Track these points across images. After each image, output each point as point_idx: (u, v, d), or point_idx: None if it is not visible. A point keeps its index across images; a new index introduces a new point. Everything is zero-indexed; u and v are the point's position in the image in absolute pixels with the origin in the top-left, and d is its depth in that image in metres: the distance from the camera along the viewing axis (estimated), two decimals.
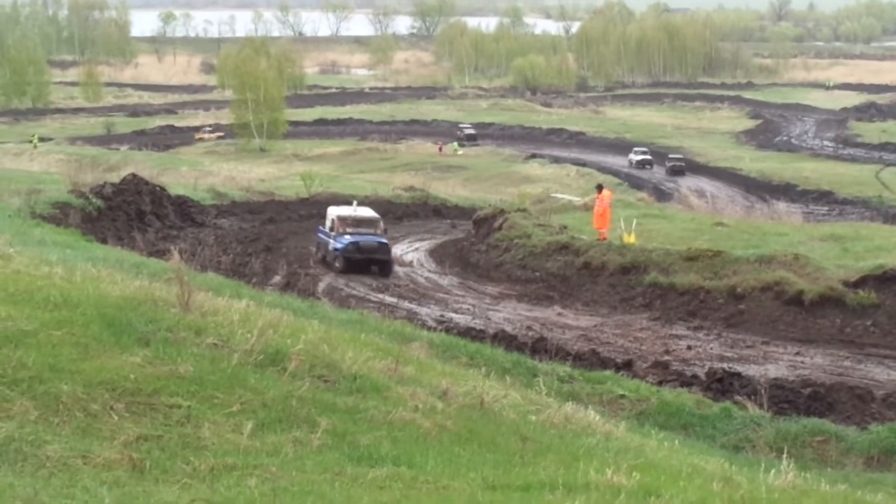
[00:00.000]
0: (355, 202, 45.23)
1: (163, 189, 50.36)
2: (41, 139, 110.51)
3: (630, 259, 38.19)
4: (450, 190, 78.56)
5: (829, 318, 32.31)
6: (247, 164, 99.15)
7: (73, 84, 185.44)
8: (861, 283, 32.80)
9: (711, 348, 30.16)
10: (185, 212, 50.23)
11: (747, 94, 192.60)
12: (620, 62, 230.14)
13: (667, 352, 29.62)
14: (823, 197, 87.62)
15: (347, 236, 40.70)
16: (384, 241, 41.84)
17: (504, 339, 28.31)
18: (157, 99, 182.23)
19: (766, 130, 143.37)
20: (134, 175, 49.99)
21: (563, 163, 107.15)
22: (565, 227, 44.81)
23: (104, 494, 8.09)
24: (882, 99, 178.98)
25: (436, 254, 46.38)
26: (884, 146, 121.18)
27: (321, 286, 37.38)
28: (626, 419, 18.35)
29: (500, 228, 45.37)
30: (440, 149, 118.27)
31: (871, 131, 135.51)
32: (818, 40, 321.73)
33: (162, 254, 31.25)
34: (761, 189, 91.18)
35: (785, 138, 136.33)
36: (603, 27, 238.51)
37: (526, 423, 12.84)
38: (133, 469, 8.87)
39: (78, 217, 41.02)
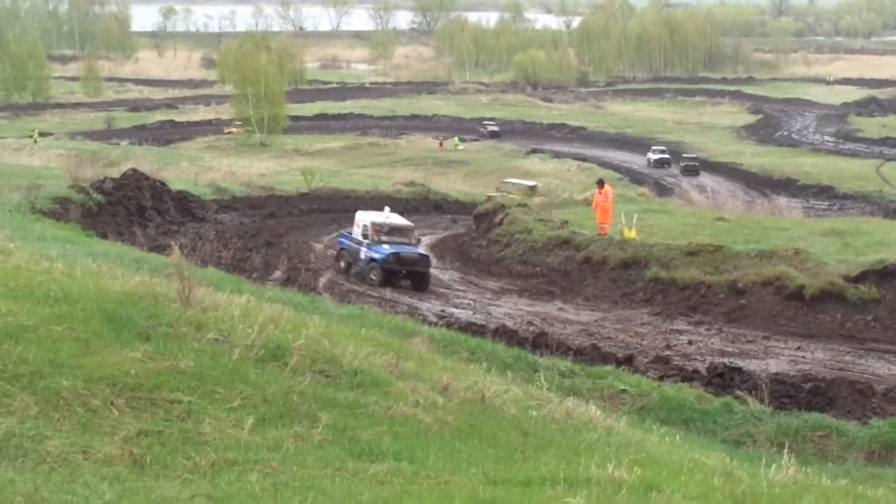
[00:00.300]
0: (387, 208, 42.53)
1: (163, 184, 50.31)
2: (41, 134, 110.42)
3: (631, 254, 38.19)
4: (450, 185, 78.58)
5: (829, 312, 32.33)
6: (247, 159, 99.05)
7: (73, 79, 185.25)
8: (862, 277, 32.81)
9: (712, 343, 30.18)
10: (186, 207, 50.20)
11: (748, 89, 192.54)
12: (621, 57, 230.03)
13: (668, 347, 29.64)
14: (824, 192, 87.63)
15: (386, 246, 37.74)
16: (425, 253, 39.49)
17: (505, 335, 28.31)
18: (158, 94, 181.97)
19: (767, 125, 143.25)
20: (134, 170, 49.95)
21: (564, 158, 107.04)
22: (566, 223, 44.80)
23: (105, 490, 8.09)
24: (882, 94, 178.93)
25: (437, 249, 46.38)
26: (884, 141, 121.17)
27: (322, 281, 37.36)
28: (627, 414, 18.36)
29: (500, 224, 45.39)
30: (441, 144, 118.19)
31: (872, 126, 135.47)
32: (819, 35, 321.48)
33: (162, 249, 31.28)
34: (762, 184, 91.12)
35: (785, 133, 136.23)
36: (604, 22, 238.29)
37: (527, 418, 12.83)
38: (134, 464, 8.87)
39: (78, 212, 41.01)
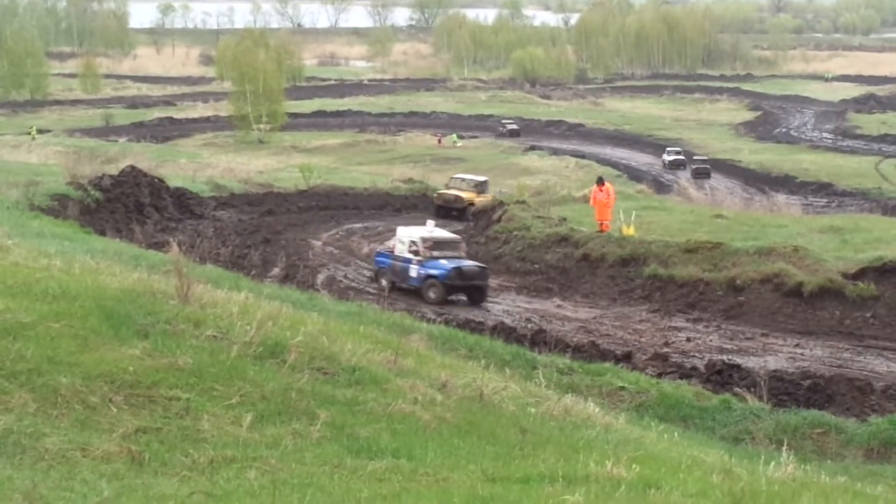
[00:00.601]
0: (431, 222, 40.03)
1: (161, 181, 50.28)
2: (39, 131, 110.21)
3: (629, 251, 38.20)
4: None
5: (828, 309, 32.35)
6: (245, 155, 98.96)
7: (71, 76, 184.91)
8: (860, 274, 32.83)
9: (711, 340, 30.21)
10: (184, 204, 50.17)
11: (746, 86, 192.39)
12: (619, 54, 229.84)
13: (666, 344, 29.67)
14: (823, 189, 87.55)
15: (443, 261, 35.41)
16: (484, 265, 37.18)
17: (503, 331, 28.33)
18: (156, 91, 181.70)
19: (766, 122, 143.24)
20: (132, 167, 49.91)
21: (563, 155, 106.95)
22: (564, 219, 44.81)
23: (103, 487, 8.09)
24: (881, 90, 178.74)
25: None
26: (883, 138, 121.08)
27: (320, 278, 37.36)
28: (625, 411, 18.36)
29: (499, 220, 45.41)
30: (439, 141, 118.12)
31: (871, 123, 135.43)
32: (817, 32, 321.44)
33: (161, 246, 31.23)
34: (760, 181, 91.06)
35: (784, 130, 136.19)
36: (602, 19, 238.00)
37: (525, 415, 12.83)
38: (132, 461, 8.87)
39: (76, 209, 40.99)
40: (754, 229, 43.57)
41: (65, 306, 12.03)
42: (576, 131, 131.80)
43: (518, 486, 9.33)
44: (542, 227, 42.83)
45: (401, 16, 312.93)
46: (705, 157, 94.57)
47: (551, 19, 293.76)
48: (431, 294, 35.09)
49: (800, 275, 33.45)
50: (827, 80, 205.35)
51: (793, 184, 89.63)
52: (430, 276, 35.29)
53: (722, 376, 25.32)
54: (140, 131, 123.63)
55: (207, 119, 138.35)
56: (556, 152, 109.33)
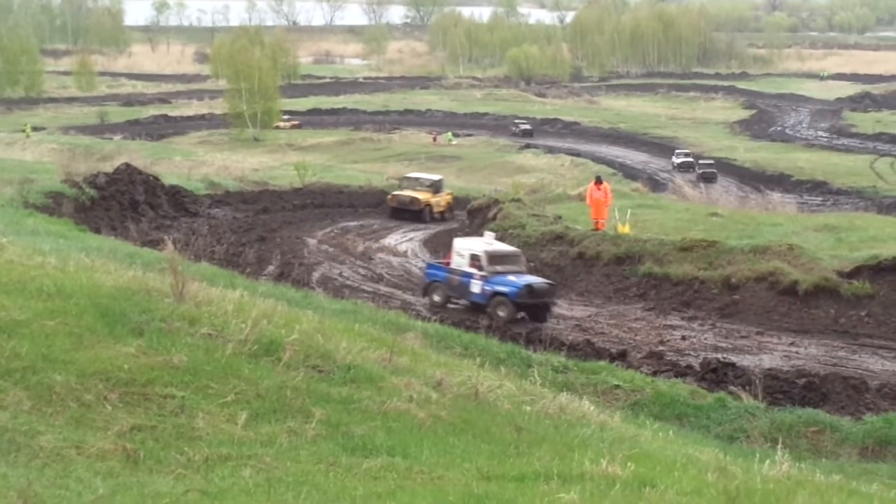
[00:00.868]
0: (489, 233, 37.03)
1: (156, 179, 50.23)
2: (34, 128, 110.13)
3: (624, 249, 38.20)
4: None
5: (823, 308, 32.39)
6: (240, 153, 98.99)
7: (66, 73, 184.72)
8: (855, 273, 32.87)
9: (706, 339, 30.26)
10: (179, 202, 50.12)
11: (742, 85, 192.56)
12: (615, 52, 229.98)
13: (661, 342, 29.72)
14: (818, 187, 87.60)
15: (511, 277, 32.78)
16: (552, 282, 34.59)
17: (498, 330, 28.38)
18: (151, 88, 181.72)
19: (761, 121, 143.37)
20: (127, 165, 49.88)
21: (558, 153, 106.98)
22: (560, 218, 44.80)
23: (98, 485, 8.08)
24: (876, 89, 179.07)
25: (430, 244, 46.36)
26: (878, 136, 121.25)
27: (315, 276, 37.34)
28: (620, 409, 18.39)
29: (494, 218, 45.38)
30: (434, 139, 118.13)
31: (866, 121, 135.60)
32: (812, 30, 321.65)
33: (156, 244, 31.30)
34: (755, 179, 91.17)
35: (779, 128, 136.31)
36: (597, 17, 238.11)
37: (520, 413, 12.84)
38: (127, 459, 8.86)
39: (71, 207, 40.94)
40: (749, 228, 43.62)
41: (59, 304, 12.02)
42: (571, 129, 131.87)
43: (513, 484, 9.34)
44: (537, 226, 42.81)
45: (396, 14, 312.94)
46: (711, 161, 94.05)
47: (546, 17, 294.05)
48: (500, 312, 32.15)
49: (795, 273, 33.48)
50: (822, 78, 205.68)
51: (788, 182, 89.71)
52: (497, 294, 32.61)
53: (717, 374, 25.37)
54: (135, 129, 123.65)
55: (202, 117, 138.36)
56: (551, 150, 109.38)
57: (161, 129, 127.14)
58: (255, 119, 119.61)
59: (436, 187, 57.29)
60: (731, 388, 23.20)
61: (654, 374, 25.21)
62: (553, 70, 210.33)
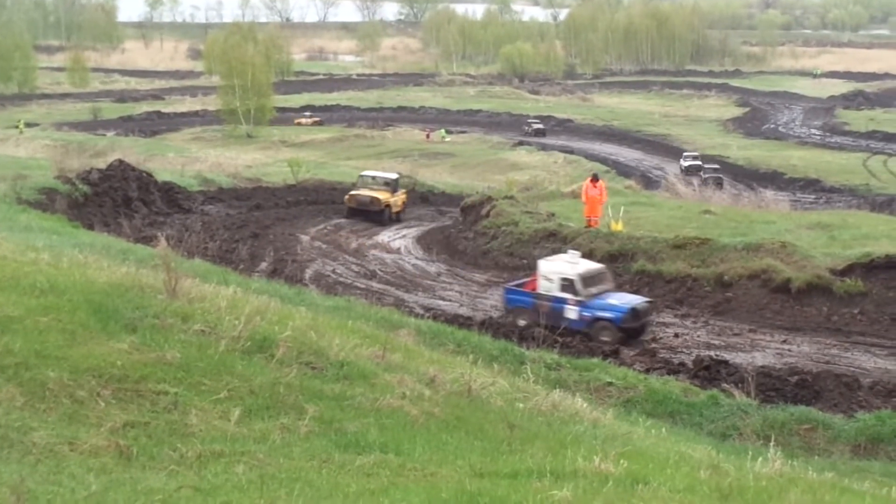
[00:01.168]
0: (572, 251, 33.44)
1: (150, 175, 50.13)
2: (27, 125, 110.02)
3: (618, 247, 38.18)
4: (437, 177, 78.49)
5: (816, 306, 32.40)
6: (234, 150, 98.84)
7: (59, 69, 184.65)
8: (848, 271, 32.90)
9: (698, 336, 30.26)
10: (172, 198, 50.04)
11: (735, 82, 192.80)
12: (608, 49, 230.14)
13: (654, 339, 29.71)
14: (811, 185, 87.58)
15: (613, 300, 30.65)
16: (651, 300, 32.41)
17: (491, 327, 28.38)
18: (144, 84, 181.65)
19: (754, 118, 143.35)
20: (120, 161, 49.75)
21: (551, 150, 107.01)
22: (553, 215, 44.79)
23: (91, 481, 8.08)
24: (869, 87, 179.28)
25: (423, 241, 46.34)
26: (871, 134, 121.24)
27: (308, 273, 37.33)
28: (613, 407, 18.41)
29: (487, 216, 45.34)
30: (427, 136, 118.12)
31: (859, 119, 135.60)
32: (806, 28, 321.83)
33: (149, 240, 31.25)
34: (749, 177, 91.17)
35: (772, 126, 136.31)
36: (591, 14, 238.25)
37: (513, 410, 12.85)
38: (120, 456, 8.86)
39: (64, 203, 40.88)
40: (742, 225, 43.60)
41: (53, 300, 12.01)
42: (564, 127, 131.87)
43: (506, 481, 9.34)
44: (530, 223, 42.79)
45: (389, 10, 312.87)
46: (717, 166, 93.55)
47: (540, 14, 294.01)
48: (604, 338, 29.63)
49: (787, 271, 33.50)
50: (815, 76, 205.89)
51: (781, 180, 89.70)
52: (598, 319, 30.18)
53: (709, 372, 25.40)
54: (128, 125, 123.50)
55: (196, 113, 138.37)
56: (544, 148, 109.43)
57: (154, 125, 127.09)
58: (248, 116, 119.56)
59: (393, 186, 54.30)
60: (724, 385, 23.23)
61: (647, 371, 25.24)
62: (547, 67, 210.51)
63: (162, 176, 52.67)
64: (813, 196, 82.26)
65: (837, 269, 33.13)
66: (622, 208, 42.99)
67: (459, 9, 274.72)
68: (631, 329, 30.11)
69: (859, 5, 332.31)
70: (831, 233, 41.21)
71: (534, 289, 31.68)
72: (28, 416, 9.24)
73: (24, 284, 12.52)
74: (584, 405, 14.55)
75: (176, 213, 48.09)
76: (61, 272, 13.70)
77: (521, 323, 30.56)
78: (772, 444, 13.28)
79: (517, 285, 32.74)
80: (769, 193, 71.90)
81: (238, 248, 39.49)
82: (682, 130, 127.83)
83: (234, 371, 11.15)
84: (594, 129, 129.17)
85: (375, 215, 51.33)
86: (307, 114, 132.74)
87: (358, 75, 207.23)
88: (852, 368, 26.71)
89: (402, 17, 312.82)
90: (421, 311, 30.32)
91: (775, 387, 23.72)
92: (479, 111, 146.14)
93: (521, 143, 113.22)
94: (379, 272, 38.71)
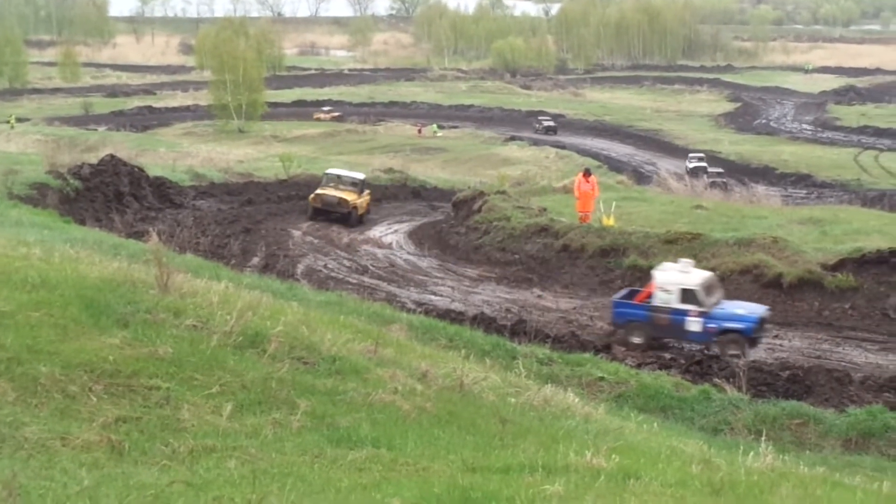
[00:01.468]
0: (683, 260, 31.09)
1: (141, 170, 50.02)
2: (18, 119, 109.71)
3: (609, 242, 38.22)
4: (429, 172, 78.42)
5: (807, 301, 32.48)
6: (225, 145, 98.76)
7: (50, 64, 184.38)
8: (839, 266, 32.97)
9: None
10: (164, 193, 49.95)
11: (727, 77, 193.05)
12: (600, 44, 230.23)
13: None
14: (802, 180, 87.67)
15: (739, 310, 28.96)
16: (767, 307, 30.39)
17: (483, 322, 28.39)
18: (136, 79, 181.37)
19: (745, 113, 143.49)
20: (112, 156, 49.65)
21: (543, 145, 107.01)
22: (545, 210, 44.79)
23: (83, 476, 8.07)
24: (861, 82, 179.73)
25: (415, 236, 46.31)
26: (862, 129, 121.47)
27: (300, 268, 37.30)
28: (605, 402, 18.42)
29: (479, 211, 45.35)
30: (419, 131, 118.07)
31: (850, 115, 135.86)
32: (797, 23, 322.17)
33: (140, 235, 31.16)
34: (740, 172, 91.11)
35: (764, 121, 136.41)
36: (583, 9, 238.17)
37: (505, 405, 12.85)
38: (112, 451, 8.85)
39: (55, 198, 40.78)
40: (734, 220, 43.63)
41: (44, 295, 12.00)
42: (556, 122, 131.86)
43: (498, 475, 9.34)
44: (522, 218, 42.80)
45: (381, 5, 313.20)
46: (721, 170, 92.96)
47: (532, 9, 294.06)
48: (732, 350, 27.79)
49: (779, 266, 33.57)
50: (807, 71, 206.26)
51: (772, 175, 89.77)
52: (726, 331, 28.38)
53: (701, 367, 25.48)
54: (119, 120, 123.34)
55: (187, 108, 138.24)
56: (536, 143, 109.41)
57: (146, 120, 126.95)
58: (239, 110, 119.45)
59: (360, 187, 51.25)
60: (716, 380, 23.26)
61: (639, 366, 25.30)
62: (538, 62, 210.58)
63: (153, 171, 52.58)
64: (804, 191, 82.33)
65: (829, 264, 33.20)
66: (614, 203, 43.02)
67: (451, 4, 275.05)
68: (759, 340, 28.77)
69: (851, 1, 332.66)
70: (823, 228, 41.27)
71: (646, 301, 29.75)
72: (20, 412, 9.23)
73: (16, 279, 12.50)
74: (576, 400, 14.57)
75: (167, 208, 48.01)
76: (53, 267, 13.69)
77: (637, 340, 29.19)
78: (763, 438, 13.30)
79: (625, 297, 30.74)
80: (761, 188, 71.92)
81: (230, 243, 39.43)
82: (674, 125, 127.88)
83: (226, 366, 11.15)
84: (586, 124, 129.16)
85: (342, 217, 48.88)
86: (326, 108, 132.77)
87: (349, 70, 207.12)
88: (843, 363, 26.77)
89: (394, 12, 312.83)
90: (413, 306, 30.32)
91: (767, 381, 23.78)
92: (470, 106, 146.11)
93: (512, 139, 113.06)
94: (371, 267, 38.69)
